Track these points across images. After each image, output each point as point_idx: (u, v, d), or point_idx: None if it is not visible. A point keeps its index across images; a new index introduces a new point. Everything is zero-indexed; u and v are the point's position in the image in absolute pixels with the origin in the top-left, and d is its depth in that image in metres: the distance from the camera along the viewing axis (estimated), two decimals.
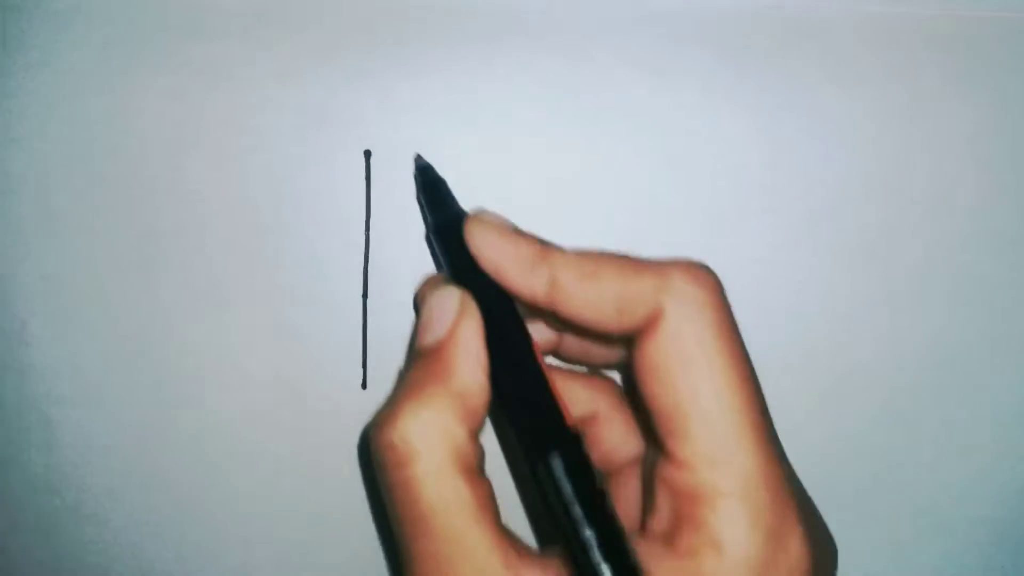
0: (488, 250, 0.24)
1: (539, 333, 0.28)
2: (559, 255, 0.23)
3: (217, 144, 0.32)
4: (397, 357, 0.32)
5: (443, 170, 0.31)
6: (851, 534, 0.34)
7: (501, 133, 0.32)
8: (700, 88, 0.32)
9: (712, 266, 0.32)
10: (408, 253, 0.32)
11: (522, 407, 0.23)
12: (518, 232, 0.24)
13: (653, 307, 0.21)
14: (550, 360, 0.30)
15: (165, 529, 0.33)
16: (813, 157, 0.32)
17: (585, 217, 0.32)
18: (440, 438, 0.21)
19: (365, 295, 0.32)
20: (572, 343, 0.28)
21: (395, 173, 0.32)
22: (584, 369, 0.29)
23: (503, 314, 0.24)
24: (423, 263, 0.32)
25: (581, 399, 0.27)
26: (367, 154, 0.31)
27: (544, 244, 0.24)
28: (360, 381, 0.32)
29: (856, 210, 0.33)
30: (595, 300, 0.22)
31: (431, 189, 0.29)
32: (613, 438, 0.27)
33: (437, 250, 0.27)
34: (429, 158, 0.31)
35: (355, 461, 0.33)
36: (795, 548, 0.20)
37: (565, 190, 0.32)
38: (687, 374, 0.21)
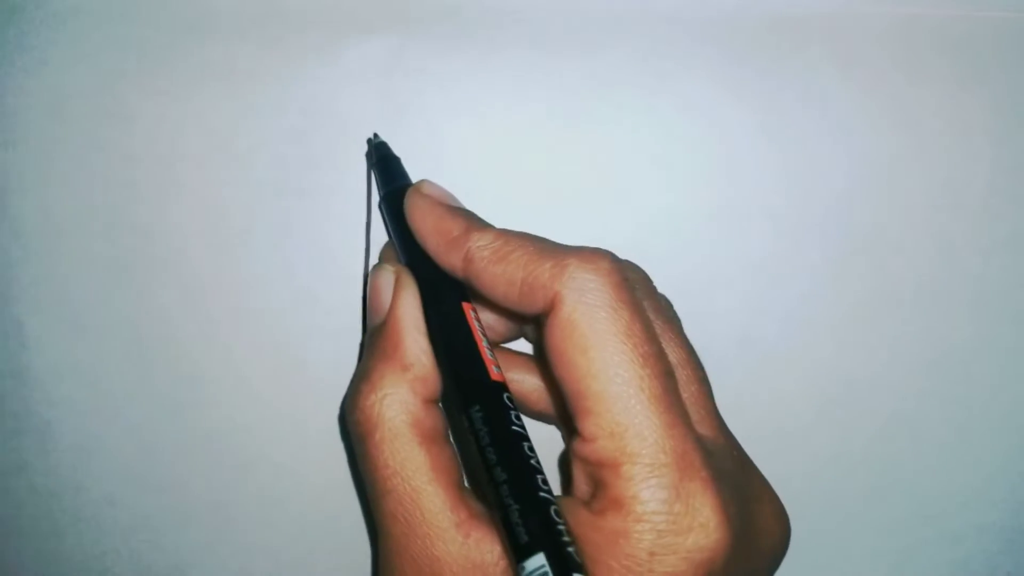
0: (418, 222, 0.26)
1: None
2: (479, 233, 0.24)
3: (217, 145, 0.32)
4: None
5: (446, 169, 0.30)
6: (857, 541, 0.34)
7: (504, 133, 0.32)
8: (706, 89, 0.32)
9: (716, 269, 0.32)
10: None
11: (450, 366, 0.25)
12: (449, 208, 0.26)
13: (551, 293, 0.22)
14: (519, 345, 0.31)
15: (164, 534, 0.33)
16: (820, 159, 0.32)
17: (587, 217, 0.32)
18: (395, 409, 0.24)
19: (365, 298, 0.32)
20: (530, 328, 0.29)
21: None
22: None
23: (441, 282, 0.26)
24: None
25: (530, 382, 0.29)
26: (370, 143, 0.31)
27: (470, 221, 0.25)
28: None
29: (863, 213, 0.32)
30: (503, 281, 0.24)
31: (384, 164, 0.30)
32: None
33: (386, 220, 0.29)
34: (430, 159, 0.31)
35: (354, 464, 0.32)
36: (703, 507, 0.21)
37: (568, 190, 0.32)
38: (584, 356, 0.22)
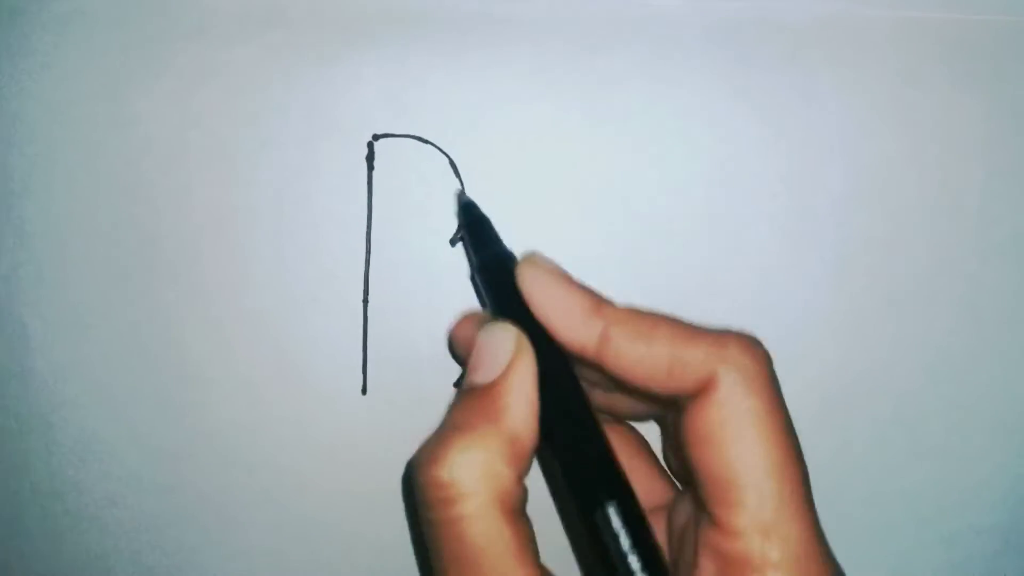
0: (541, 296, 0.24)
1: None
2: (612, 310, 0.23)
3: (220, 148, 0.32)
4: (397, 363, 0.32)
5: (447, 173, 0.31)
6: (856, 543, 0.34)
7: (506, 137, 0.32)
8: (706, 93, 0.32)
9: (716, 272, 0.32)
10: (410, 258, 0.32)
11: (576, 454, 0.23)
12: (573, 281, 0.24)
13: (706, 374, 0.22)
14: None
15: (165, 535, 0.33)
16: (820, 162, 0.32)
17: (589, 220, 0.32)
18: (488, 479, 0.21)
19: (366, 300, 0.32)
20: (601, 396, 0.28)
21: (398, 178, 0.32)
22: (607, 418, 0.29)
23: (555, 360, 0.24)
24: (425, 269, 0.32)
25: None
26: (371, 145, 0.31)
27: (598, 297, 0.24)
28: (360, 387, 0.32)
29: (862, 216, 0.32)
30: (647, 360, 0.22)
31: (476, 227, 0.29)
32: (635, 488, 0.27)
33: (482, 288, 0.27)
34: (432, 163, 0.31)
35: (355, 467, 0.33)
36: None
37: (570, 193, 0.32)
38: (738, 445, 0.21)
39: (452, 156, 0.32)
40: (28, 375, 0.32)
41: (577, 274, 0.32)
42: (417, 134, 0.32)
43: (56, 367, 0.32)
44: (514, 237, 0.32)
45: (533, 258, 0.25)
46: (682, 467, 0.27)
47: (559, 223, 0.32)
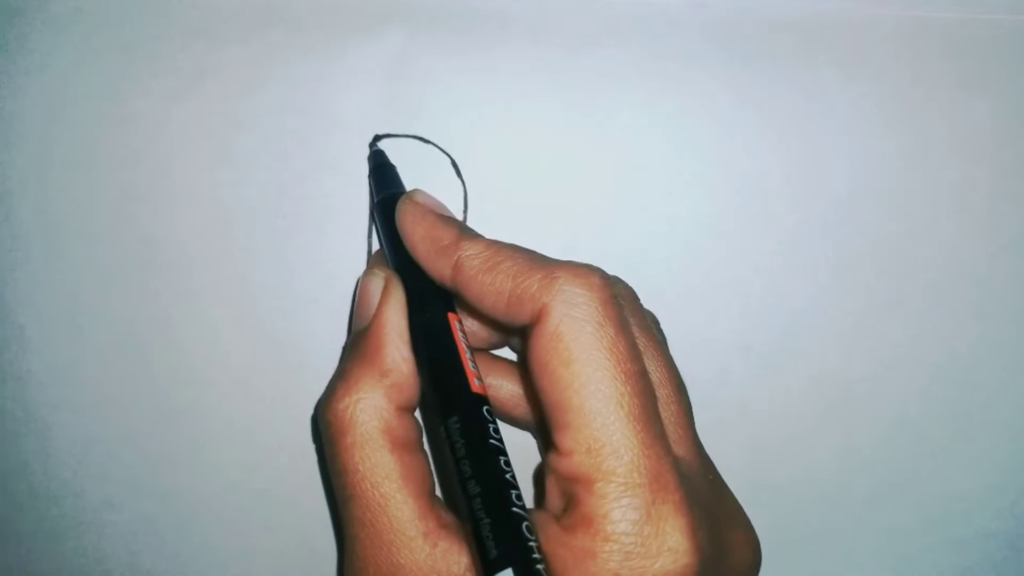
0: (408, 229, 0.26)
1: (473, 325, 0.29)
2: (469, 242, 0.24)
3: (218, 147, 0.31)
4: None
5: (447, 172, 0.30)
6: (861, 547, 0.34)
7: (506, 137, 0.32)
8: (709, 92, 0.32)
9: (720, 273, 0.32)
10: None
11: (431, 376, 0.24)
12: (440, 216, 0.26)
13: (539, 304, 0.22)
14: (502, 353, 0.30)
15: (163, 538, 0.33)
16: (824, 163, 0.32)
17: (589, 221, 0.32)
18: (369, 414, 0.23)
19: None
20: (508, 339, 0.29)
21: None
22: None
23: (428, 291, 0.26)
24: None
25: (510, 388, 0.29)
26: (372, 145, 0.31)
27: (461, 231, 0.25)
28: None
29: (867, 217, 0.32)
30: (490, 291, 0.24)
31: (379, 171, 0.30)
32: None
33: (377, 228, 0.29)
34: (432, 162, 0.30)
35: None
36: (673, 531, 0.21)
37: (570, 193, 0.32)
38: (566, 369, 0.22)
39: (453, 156, 0.31)
40: (25, 377, 0.32)
41: None
42: (418, 134, 0.31)
43: (53, 369, 0.32)
44: (515, 236, 0.32)
45: (411, 194, 0.27)
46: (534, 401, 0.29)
47: (561, 222, 0.32)
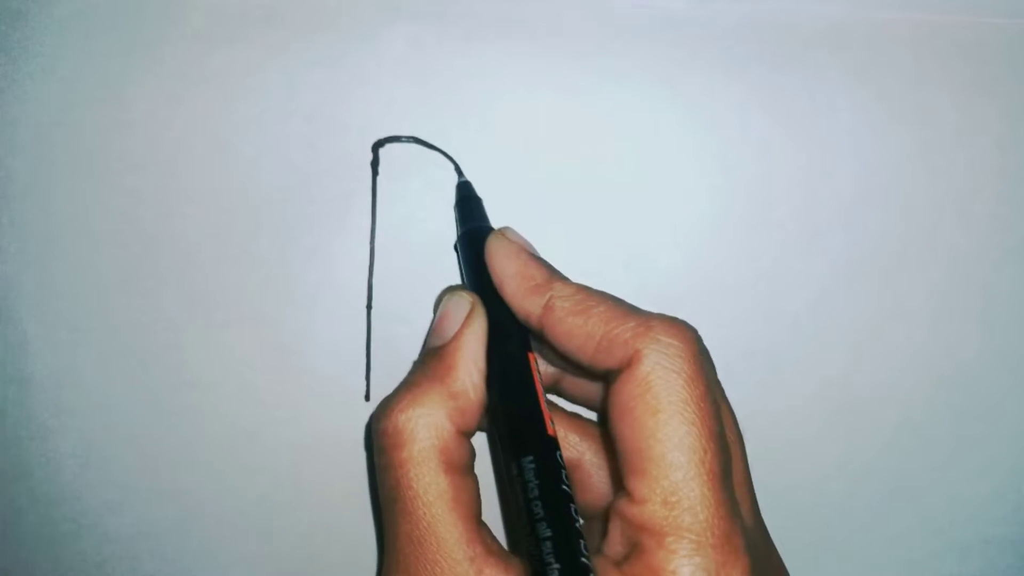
0: (499, 264, 0.26)
1: (542, 366, 0.29)
2: (560, 284, 0.25)
3: (222, 151, 0.31)
4: (401, 369, 0.32)
5: (451, 174, 0.30)
6: (864, 552, 0.33)
7: (511, 138, 0.32)
8: (714, 96, 0.32)
9: (724, 277, 0.32)
10: (413, 264, 0.32)
11: (507, 411, 0.25)
12: (532, 255, 0.26)
13: (631, 350, 0.23)
14: (554, 399, 0.30)
15: (164, 542, 0.33)
16: (830, 166, 0.32)
17: (595, 224, 0.32)
18: (428, 428, 0.23)
19: (369, 306, 0.32)
20: (571, 382, 0.29)
21: (403, 183, 0.31)
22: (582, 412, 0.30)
23: (508, 326, 0.26)
24: (428, 274, 0.32)
25: (571, 443, 0.29)
26: (375, 150, 0.31)
27: (552, 272, 0.26)
28: (364, 393, 0.32)
29: (872, 221, 0.32)
30: (580, 333, 0.24)
31: (465, 203, 0.30)
32: (597, 486, 0.28)
33: (460, 259, 0.29)
34: (437, 164, 0.30)
35: (358, 472, 0.32)
36: None
37: (576, 197, 0.32)
38: (651, 417, 0.22)
39: (457, 160, 0.31)
40: (27, 381, 0.32)
41: (583, 275, 0.32)
42: (421, 137, 0.31)
43: (55, 373, 0.32)
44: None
45: (502, 231, 0.27)
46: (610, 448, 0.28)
47: (565, 225, 0.32)
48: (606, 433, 0.29)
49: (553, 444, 0.24)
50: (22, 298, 0.32)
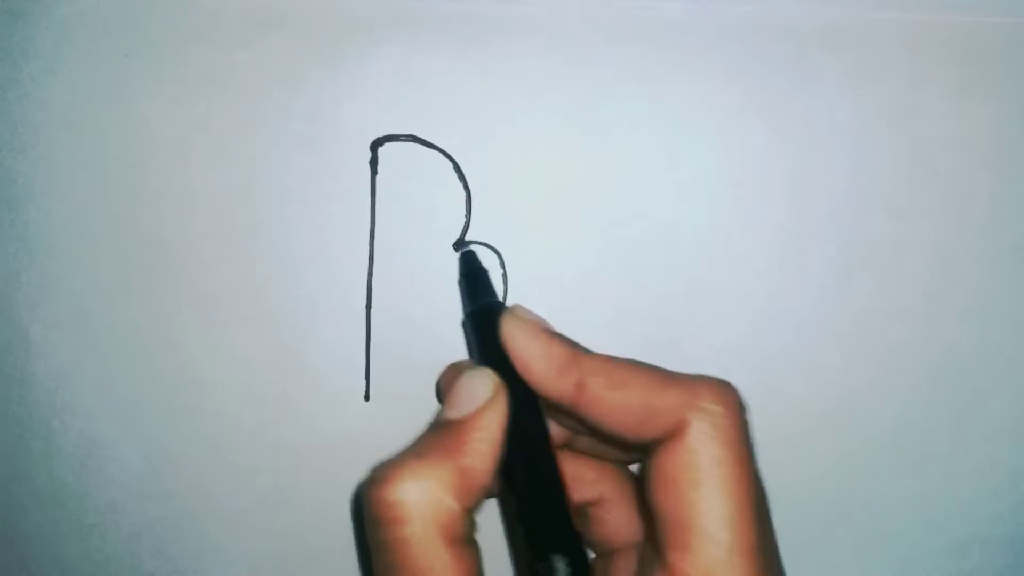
0: (520, 347, 0.25)
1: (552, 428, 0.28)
2: (589, 360, 0.24)
3: (222, 152, 0.32)
4: (401, 369, 0.32)
5: (450, 177, 0.30)
6: (862, 550, 0.33)
7: (509, 141, 0.32)
8: (711, 97, 0.32)
9: (721, 277, 0.32)
10: (413, 264, 0.32)
11: (531, 502, 0.24)
12: (551, 333, 0.25)
13: (676, 420, 0.22)
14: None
15: (166, 541, 0.33)
16: (825, 167, 0.32)
17: (592, 225, 0.32)
18: (431, 504, 0.22)
19: (369, 306, 0.32)
20: (584, 441, 0.28)
21: (402, 182, 0.32)
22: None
23: (527, 409, 0.25)
24: (428, 274, 0.32)
25: (588, 481, 0.28)
26: (374, 149, 0.31)
27: (575, 347, 0.25)
28: (363, 392, 0.32)
29: (868, 222, 0.32)
30: (620, 408, 0.23)
31: (471, 278, 0.30)
32: (615, 522, 0.28)
33: (469, 337, 0.28)
34: (436, 163, 0.30)
35: (357, 472, 0.32)
36: None
37: (573, 197, 0.32)
38: (697, 490, 0.21)
39: (456, 159, 0.31)
40: (29, 380, 0.32)
41: (582, 277, 0.32)
42: (420, 137, 0.31)
43: (57, 372, 0.32)
44: (517, 240, 0.32)
45: (515, 310, 0.26)
46: (645, 510, 0.28)
47: (563, 226, 0.32)
48: (620, 475, 0.29)
49: (580, 540, 0.23)
50: (24, 298, 0.32)
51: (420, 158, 0.31)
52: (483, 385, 0.24)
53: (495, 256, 0.32)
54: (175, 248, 0.32)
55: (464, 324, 0.30)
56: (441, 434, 0.24)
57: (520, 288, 0.32)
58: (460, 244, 0.31)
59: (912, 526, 0.33)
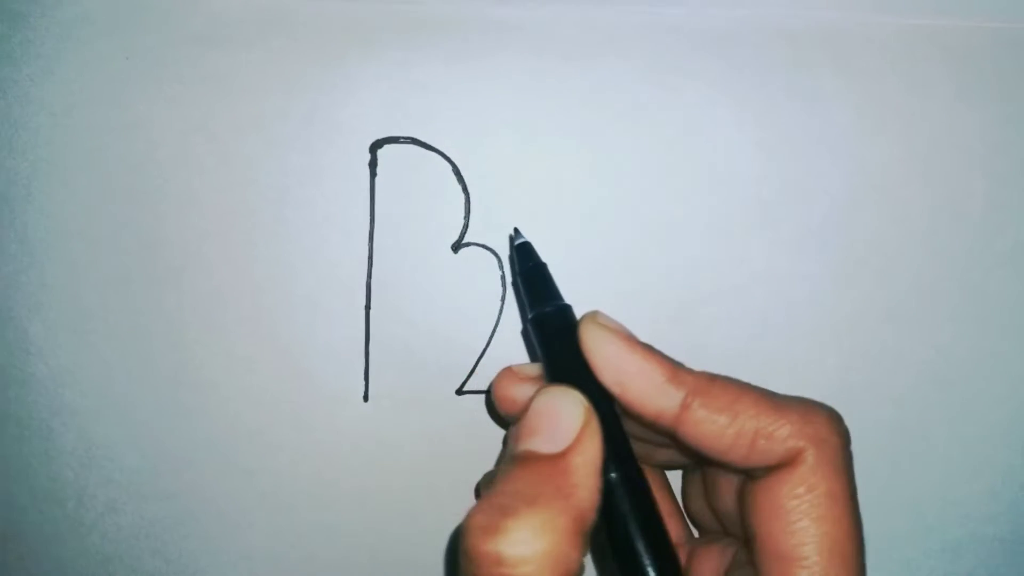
0: (611, 362, 0.23)
1: None
2: (692, 377, 0.23)
3: (221, 153, 0.32)
4: (399, 369, 0.32)
5: (448, 179, 0.30)
6: None
7: (506, 144, 0.32)
8: (707, 100, 0.32)
9: (717, 279, 0.32)
10: (412, 265, 0.32)
11: (627, 532, 0.22)
12: (645, 346, 0.23)
13: (789, 449, 0.22)
14: None
15: (166, 541, 0.33)
16: (820, 169, 0.32)
17: (589, 227, 0.32)
18: (553, 562, 0.20)
19: (368, 306, 0.32)
20: (653, 450, 0.28)
21: (401, 184, 0.32)
22: None
23: (612, 427, 0.23)
24: (427, 275, 0.32)
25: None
26: (373, 150, 0.31)
27: (674, 362, 0.23)
28: (362, 393, 0.32)
29: (863, 224, 0.32)
30: (729, 433, 0.22)
31: (532, 276, 0.27)
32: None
33: (537, 345, 0.26)
34: (435, 165, 0.31)
35: (356, 471, 0.32)
36: None
37: (569, 200, 0.32)
38: (806, 522, 0.21)
39: (455, 161, 0.31)
40: (29, 380, 0.32)
41: (582, 277, 0.32)
42: (419, 139, 0.31)
43: (57, 372, 0.32)
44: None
45: (595, 318, 0.24)
46: (709, 517, 0.27)
47: (560, 227, 0.32)
48: (659, 478, 0.28)
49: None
50: (24, 298, 0.32)
51: (419, 160, 0.31)
52: (575, 410, 0.22)
53: (494, 258, 0.32)
54: (174, 249, 0.32)
55: (528, 328, 0.28)
56: (542, 472, 0.21)
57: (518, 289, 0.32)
58: (458, 246, 0.31)
59: (907, 527, 0.33)
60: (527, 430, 0.22)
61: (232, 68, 0.31)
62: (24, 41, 0.31)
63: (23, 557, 0.33)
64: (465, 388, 0.32)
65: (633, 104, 0.32)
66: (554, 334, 0.25)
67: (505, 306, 0.32)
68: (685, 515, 0.29)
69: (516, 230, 0.29)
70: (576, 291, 0.32)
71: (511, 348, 0.32)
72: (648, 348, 0.23)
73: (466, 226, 0.32)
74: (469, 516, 0.20)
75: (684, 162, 0.32)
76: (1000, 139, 0.32)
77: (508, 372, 0.27)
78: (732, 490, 0.25)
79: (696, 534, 0.29)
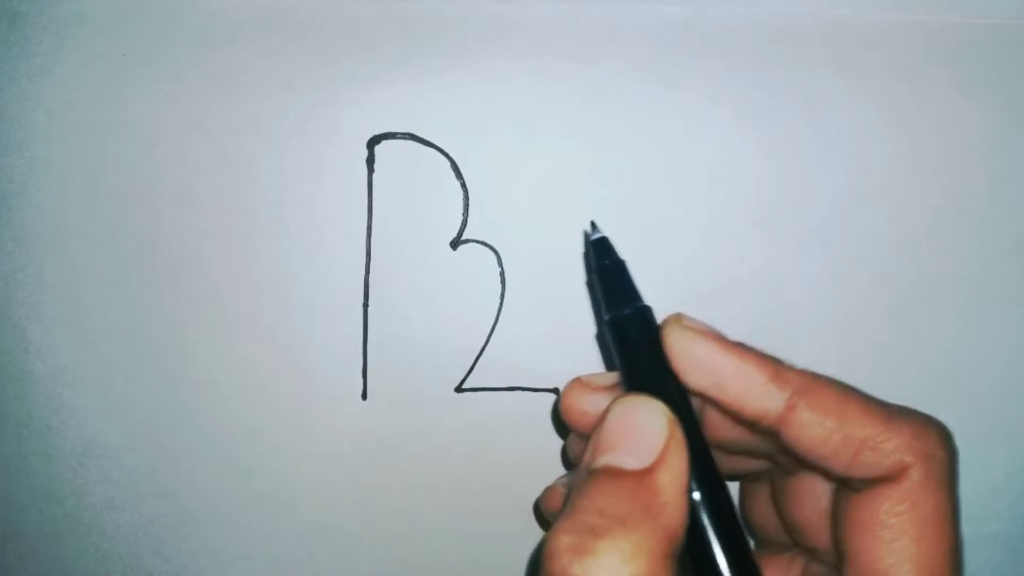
0: (705, 363, 0.22)
1: None
2: (796, 376, 0.22)
3: (219, 151, 0.32)
4: (398, 367, 0.32)
5: (446, 178, 0.30)
6: None
7: (504, 143, 0.32)
8: (708, 99, 0.32)
9: (718, 278, 0.32)
10: (410, 262, 0.32)
11: (716, 557, 0.21)
12: (738, 344, 0.22)
13: (897, 462, 0.21)
14: None
15: (164, 539, 0.33)
16: (821, 167, 0.32)
17: (586, 224, 0.32)
18: None
19: (366, 304, 0.32)
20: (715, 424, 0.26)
21: (398, 181, 0.32)
22: None
23: (695, 440, 0.22)
24: (425, 273, 0.32)
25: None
26: (370, 147, 0.31)
27: (775, 360, 0.22)
28: (360, 391, 0.32)
29: (864, 221, 0.32)
30: (835, 439, 0.21)
31: (609, 274, 0.25)
32: None
33: (615, 350, 0.24)
34: (433, 162, 0.31)
35: (355, 471, 0.32)
36: None
37: (568, 199, 0.32)
38: (908, 539, 0.20)
39: (453, 157, 0.31)
40: (27, 379, 0.32)
41: (579, 277, 0.32)
42: (417, 135, 0.31)
43: (55, 371, 0.32)
44: (515, 240, 0.32)
45: (680, 320, 0.23)
46: (775, 527, 0.27)
47: (559, 226, 0.32)
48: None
49: None
50: (21, 297, 0.32)
51: (417, 156, 0.31)
52: (658, 421, 0.21)
53: (493, 255, 0.32)
54: (172, 247, 0.32)
55: (604, 331, 0.26)
56: (629, 490, 0.20)
57: (518, 288, 0.32)
58: (457, 243, 0.31)
59: None
60: (606, 443, 0.21)
61: (230, 66, 0.31)
62: (22, 39, 0.31)
63: (22, 555, 0.33)
64: (464, 386, 0.32)
65: (633, 102, 0.32)
66: (633, 338, 0.24)
67: (504, 304, 0.32)
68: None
69: (593, 224, 0.27)
70: (575, 289, 0.32)
71: (510, 346, 0.32)
72: (743, 346, 0.22)
73: (464, 223, 0.32)
74: (554, 535, 0.19)
75: (684, 162, 0.32)
76: (1001, 136, 0.32)
77: (578, 383, 0.26)
78: (818, 500, 0.24)
79: (752, 544, 0.28)
